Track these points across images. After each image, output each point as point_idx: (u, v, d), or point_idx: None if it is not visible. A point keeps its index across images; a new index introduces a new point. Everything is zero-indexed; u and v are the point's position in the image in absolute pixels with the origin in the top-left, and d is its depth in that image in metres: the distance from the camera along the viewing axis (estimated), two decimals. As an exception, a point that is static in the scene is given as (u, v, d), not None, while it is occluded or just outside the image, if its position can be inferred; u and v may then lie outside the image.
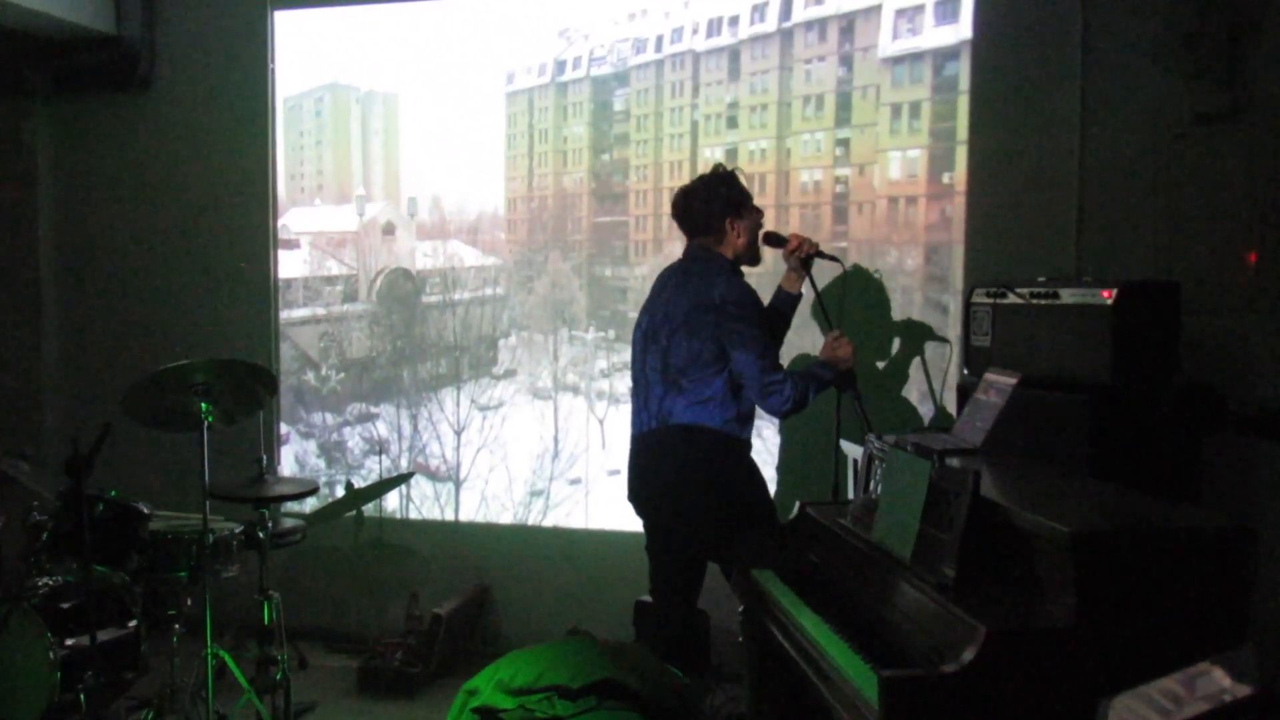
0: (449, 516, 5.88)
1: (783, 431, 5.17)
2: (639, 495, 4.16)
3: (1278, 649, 2.31)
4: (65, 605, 4.18)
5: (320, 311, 6.11)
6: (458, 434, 5.85)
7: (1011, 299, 4.03)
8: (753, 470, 4.13)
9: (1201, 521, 2.77)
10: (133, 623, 4.33)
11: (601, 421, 5.61)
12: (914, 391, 5.03)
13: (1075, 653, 2.46)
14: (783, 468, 5.19)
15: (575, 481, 5.67)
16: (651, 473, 4.10)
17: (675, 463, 4.00)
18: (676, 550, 4.09)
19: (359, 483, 5.69)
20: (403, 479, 5.77)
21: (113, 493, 4.50)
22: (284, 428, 6.12)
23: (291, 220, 6.15)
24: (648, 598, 4.32)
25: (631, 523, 4.32)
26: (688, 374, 3.95)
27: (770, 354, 3.98)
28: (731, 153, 5.33)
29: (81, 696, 4.03)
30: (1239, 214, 4.48)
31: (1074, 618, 2.48)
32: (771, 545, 3.69)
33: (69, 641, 4.09)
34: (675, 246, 4.39)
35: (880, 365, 5.06)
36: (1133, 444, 3.58)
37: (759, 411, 4.10)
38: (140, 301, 6.19)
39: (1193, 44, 4.51)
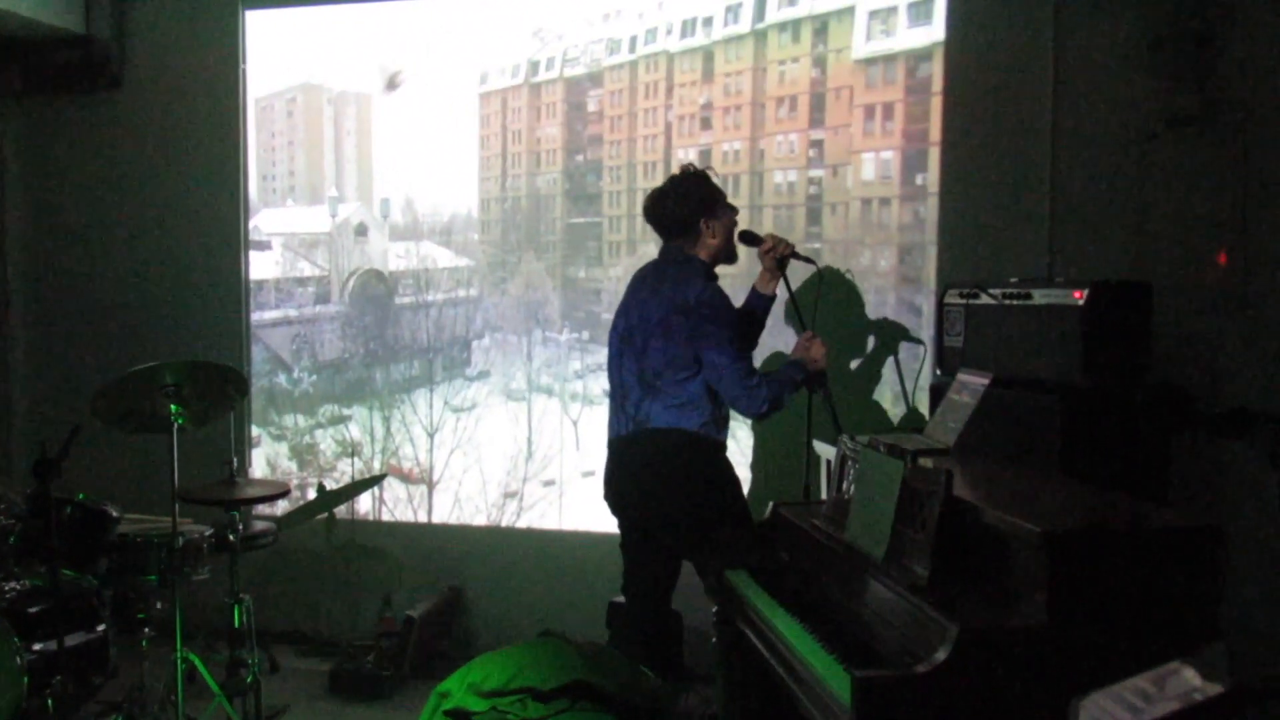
0: (422, 518, 5.85)
1: (755, 432, 5.17)
2: (616, 497, 4.16)
3: (1247, 647, 2.32)
4: (33, 609, 4.12)
5: (292, 313, 6.08)
6: (431, 436, 5.83)
7: (984, 299, 4.05)
8: (728, 471, 4.13)
9: (1171, 521, 2.78)
10: (101, 627, 4.28)
11: (575, 423, 5.60)
12: (887, 392, 5.04)
13: (1047, 652, 2.46)
14: (756, 468, 5.19)
15: (549, 483, 5.66)
16: (629, 475, 4.09)
17: (652, 465, 3.99)
18: (652, 551, 4.08)
19: (331, 485, 5.67)
20: (375, 481, 5.75)
21: (81, 496, 4.46)
22: (255, 430, 6.08)
23: (263, 221, 6.12)
24: (621, 599, 4.31)
25: (605, 524, 4.31)
26: (664, 377, 3.94)
27: (746, 357, 3.99)
28: (705, 153, 5.33)
29: (49, 701, 3.97)
30: (1209, 215, 4.50)
31: (1046, 617, 2.48)
32: (745, 545, 3.69)
33: (36, 646, 4.03)
34: (649, 248, 4.39)
35: (854, 365, 5.07)
36: (1104, 444, 3.60)
37: (733, 412, 4.10)
38: (110, 302, 6.13)
39: (1163, 47, 4.54)
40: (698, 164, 4.26)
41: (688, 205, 4.04)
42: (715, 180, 4.12)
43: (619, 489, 4.14)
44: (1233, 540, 2.63)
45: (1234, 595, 2.71)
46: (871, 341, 5.07)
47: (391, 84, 5.52)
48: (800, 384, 4.01)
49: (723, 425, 4.07)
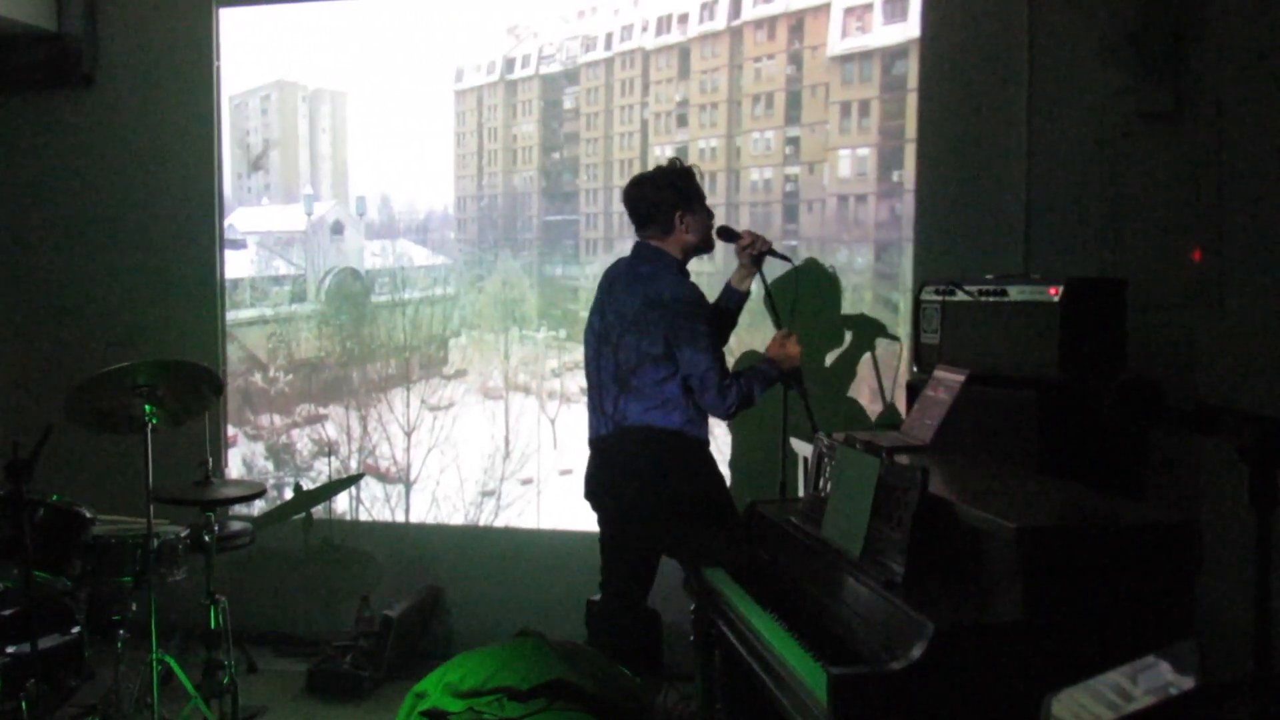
0: (399, 518, 5.83)
1: (733, 429, 5.17)
2: (598, 496, 4.15)
3: (1221, 642, 2.33)
4: (6, 612, 4.10)
5: (268, 312, 6.05)
6: (408, 435, 5.81)
7: (960, 296, 4.05)
8: (713, 467, 4.13)
9: (1146, 517, 2.79)
10: (76, 629, 4.26)
11: (553, 421, 5.59)
12: (864, 389, 5.05)
13: (1023, 648, 2.47)
14: (735, 465, 5.19)
15: (527, 482, 5.65)
16: (610, 474, 4.08)
17: (638, 464, 3.98)
18: (632, 549, 4.07)
19: (308, 485, 5.65)
20: (352, 480, 5.72)
21: (54, 497, 4.42)
22: (231, 429, 6.05)
23: (238, 220, 6.08)
24: (599, 597, 4.30)
25: (583, 523, 4.30)
26: (638, 374, 3.94)
27: (721, 356, 3.98)
28: (682, 151, 5.31)
29: (24, 704, 3.95)
30: (1184, 211, 4.52)
31: (1021, 613, 2.49)
32: (723, 543, 3.69)
33: (10, 649, 4.01)
34: (625, 244, 4.37)
35: (830, 362, 5.07)
36: (1080, 440, 3.61)
37: (708, 408, 4.10)
38: (83, 302, 6.08)
39: (1138, 43, 4.55)
40: (675, 162, 4.25)
41: (664, 194, 4.03)
42: (699, 178, 4.12)
43: (601, 487, 4.13)
44: (1206, 536, 2.63)
45: (1206, 590, 2.72)
46: (848, 338, 5.07)
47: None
48: (773, 380, 4.00)
49: (703, 422, 4.07)
